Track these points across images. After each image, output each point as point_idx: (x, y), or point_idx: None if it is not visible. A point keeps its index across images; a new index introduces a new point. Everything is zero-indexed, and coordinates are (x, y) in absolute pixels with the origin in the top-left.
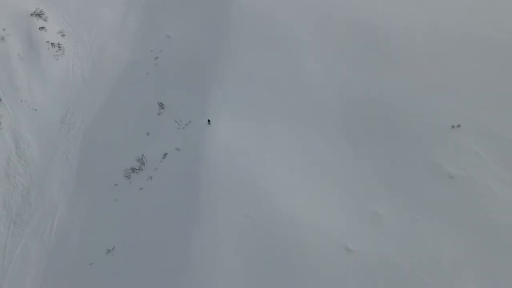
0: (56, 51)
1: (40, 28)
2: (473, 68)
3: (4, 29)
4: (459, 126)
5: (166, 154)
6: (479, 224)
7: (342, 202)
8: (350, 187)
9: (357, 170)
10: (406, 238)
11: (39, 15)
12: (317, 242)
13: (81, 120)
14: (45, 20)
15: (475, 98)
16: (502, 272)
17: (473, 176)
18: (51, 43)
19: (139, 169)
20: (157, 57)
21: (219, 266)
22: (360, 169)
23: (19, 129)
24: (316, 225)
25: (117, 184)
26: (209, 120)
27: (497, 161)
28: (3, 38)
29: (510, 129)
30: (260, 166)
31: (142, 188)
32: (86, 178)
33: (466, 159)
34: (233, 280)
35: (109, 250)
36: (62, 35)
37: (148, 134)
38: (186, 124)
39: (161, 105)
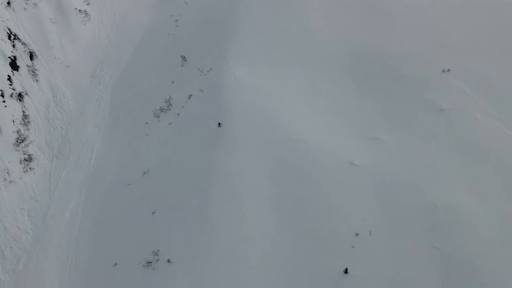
0: (83, 17)
1: None
2: (461, 24)
3: None
4: (449, 70)
5: (191, 95)
6: (466, 145)
7: (346, 129)
8: (354, 117)
9: (360, 104)
10: (403, 155)
11: None
12: (325, 158)
13: (110, 74)
14: None
15: (463, 48)
16: (487, 181)
17: (461, 109)
18: (79, 10)
19: (167, 109)
20: (177, 20)
21: (244, 176)
22: (363, 104)
23: (55, 81)
24: (323, 145)
25: (147, 122)
26: (219, 123)
27: (483, 97)
28: (36, 4)
29: (493, 71)
30: (275, 101)
31: (171, 123)
32: (118, 120)
33: (455, 96)
34: (257, 189)
35: (144, 173)
36: (88, 4)
37: (173, 82)
38: (208, 71)
39: (184, 58)
